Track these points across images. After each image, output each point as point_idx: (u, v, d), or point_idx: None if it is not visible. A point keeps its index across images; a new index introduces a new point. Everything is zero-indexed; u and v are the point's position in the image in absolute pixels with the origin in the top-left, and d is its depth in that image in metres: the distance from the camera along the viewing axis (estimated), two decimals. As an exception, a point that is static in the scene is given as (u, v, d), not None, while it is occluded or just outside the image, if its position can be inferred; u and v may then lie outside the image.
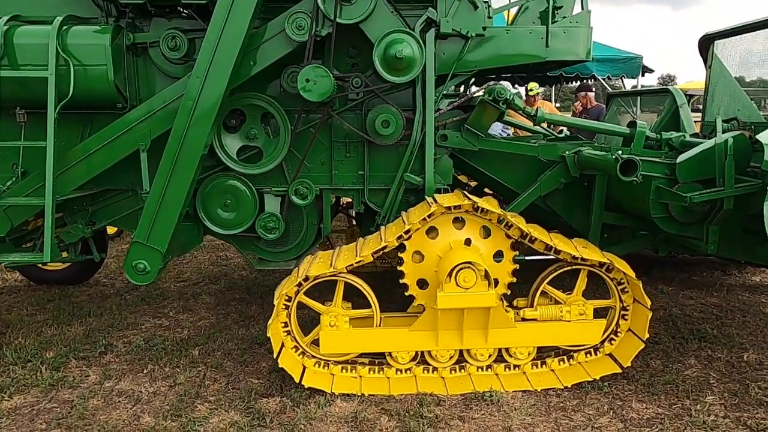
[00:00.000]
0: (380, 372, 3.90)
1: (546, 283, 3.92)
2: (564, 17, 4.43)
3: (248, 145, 4.42)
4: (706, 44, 4.71)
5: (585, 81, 8.41)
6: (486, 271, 3.54)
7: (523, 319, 3.88)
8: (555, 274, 3.92)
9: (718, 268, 6.23)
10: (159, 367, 4.14)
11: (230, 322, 5.00)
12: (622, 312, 3.93)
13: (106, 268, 6.60)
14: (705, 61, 4.79)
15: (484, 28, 4.24)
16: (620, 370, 3.77)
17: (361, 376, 3.90)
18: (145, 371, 4.09)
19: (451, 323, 3.75)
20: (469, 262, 3.54)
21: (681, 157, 3.74)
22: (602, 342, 3.95)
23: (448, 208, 3.75)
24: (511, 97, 4.26)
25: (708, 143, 3.71)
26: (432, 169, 4.31)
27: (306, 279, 3.80)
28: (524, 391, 3.73)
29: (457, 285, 3.58)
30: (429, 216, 3.74)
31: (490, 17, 4.36)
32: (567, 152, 4.37)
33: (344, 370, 3.91)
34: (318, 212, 4.69)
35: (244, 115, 4.37)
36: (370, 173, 4.51)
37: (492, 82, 6.26)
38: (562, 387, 3.74)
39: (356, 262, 3.70)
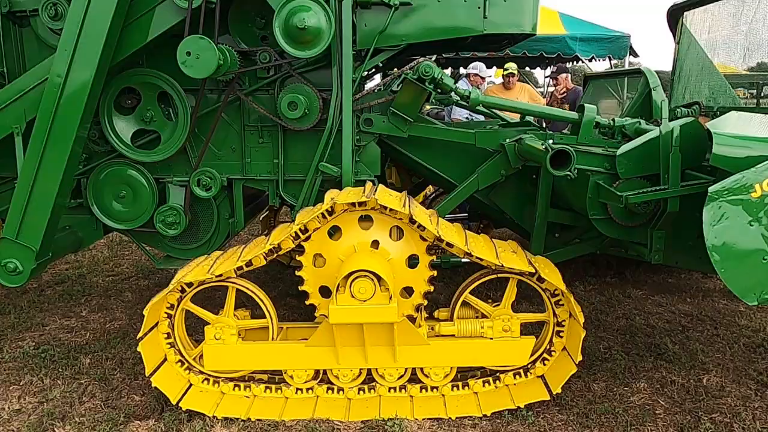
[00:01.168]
0: (278, 391, 3.41)
1: (468, 293, 3.37)
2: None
3: (145, 129, 3.91)
4: (675, 15, 4.05)
5: (564, 63, 7.73)
6: (383, 279, 3.00)
7: (439, 335, 3.34)
8: (479, 282, 3.37)
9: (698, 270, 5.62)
10: (38, 379, 3.68)
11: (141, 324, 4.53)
12: (557, 328, 3.37)
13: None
14: (674, 36, 4.14)
15: (411, -4, 3.65)
16: (548, 398, 3.22)
17: (255, 396, 3.41)
18: (21, 383, 3.64)
19: (351, 339, 3.23)
20: (366, 270, 3.01)
21: (622, 149, 3.15)
22: (534, 362, 3.40)
23: (352, 204, 3.21)
24: (440, 75, 3.67)
25: (652, 132, 3.11)
26: (350, 158, 3.76)
27: (190, 285, 3.31)
28: (435, 420, 3.21)
29: (353, 296, 3.05)
30: (330, 213, 3.21)
31: (418, -15, 3.77)
32: (507, 140, 3.78)
33: (236, 388, 3.42)
34: (232, 205, 4.17)
35: (140, 95, 3.85)
36: (285, 162, 3.98)
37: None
38: (480, 415, 3.21)
39: (237, 268, 3.19)
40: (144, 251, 4.33)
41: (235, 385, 3.42)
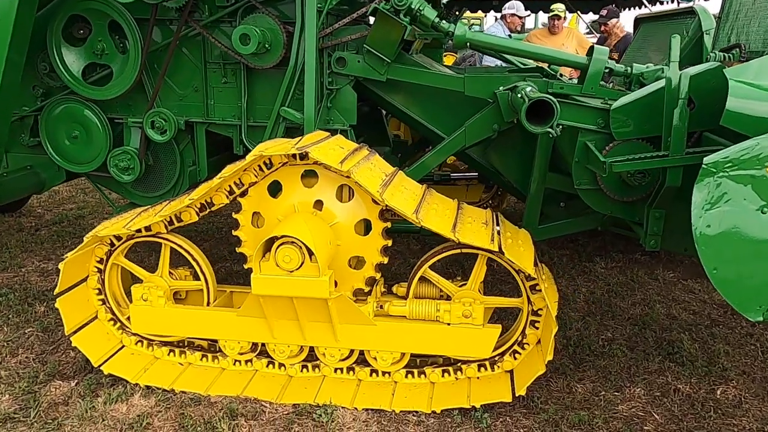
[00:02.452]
0: (214, 361, 3.07)
1: (428, 268, 2.85)
2: None
3: (98, 63, 3.54)
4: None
5: (618, 8, 6.65)
6: (310, 249, 2.53)
7: (388, 316, 2.86)
8: (440, 256, 2.84)
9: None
10: (-15, 324, 3.53)
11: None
12: (532, 317, 2.81)
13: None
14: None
15: None
16: (509, 399, 2.70)
17: (189, 364, 3.09)
18: (-32, 326, 3.50)
19: (284, 312, 2.81)
20: (292, 237, 2.55)
21: (618, 102, 2.46)
22: (502, 355, 2.87)
23: (293, 156, 2.73)
24: (418, 6, 3.05)
25: (659, 83, 2.39)
26: (313, 102, 3.26)
27: (119, 238, 2.98)
28: (375, 412, 2.77)
29: (278, 265, 2.61)
30: (268, 166, 2.75)
31: None
32: (501, 88, 3.13)
33: (171, 354, 3.11)
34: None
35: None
36: (250, 105, 3.54)
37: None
38: (429, 411, 2.74)
39: (153, 222, 2.81)
40: (104, 197, 4.07)
41: (170, 350, 3.11)
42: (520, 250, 2.68)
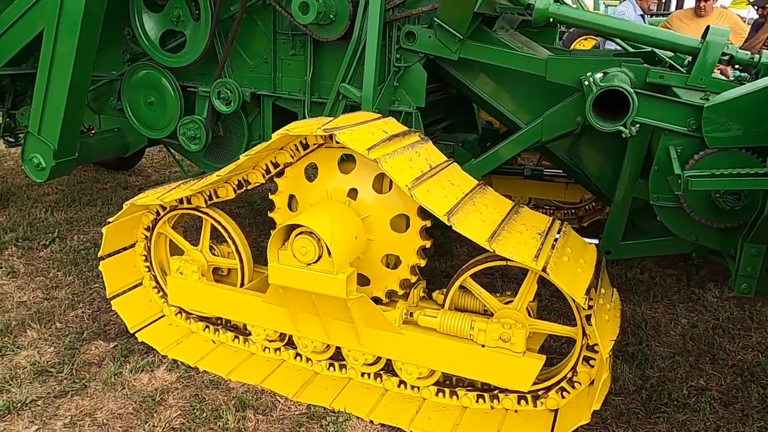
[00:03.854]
0: (245, 344, 2.97)
1: (470, 277, 2.48)
2: None
3: (175, 30, 3.53)
4: None
5: None
6: (326, 246, 2.27)
7: (416, 325, 2.54)
8: (482, 266, 2.45)
9: None
10: (61, 275, 3.74)
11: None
12: (586, 353, 2.33)
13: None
14: None
15: None
16: (544, 446, 2.27)
17: (222, 343, 3.01)
18: (49, 275, 3.73)
19: (305, 305, 2.60)
20: (308, 228, 2.31)
21: (717, 98, 1.88)
22: (548, 390, 2.43)
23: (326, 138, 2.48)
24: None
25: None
26: (372, 80, 2.97)
27: (164, 207, 2.96)
28: (389, 429, 2.48)
29: (294, 256, 2.39)
30: (301, 149, 2.53)
31: None
32: (589, 75, 2.60)
33: (206, 329, 3.06)
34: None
35: (173, -9, 3.47)
36: (314, 80, 3.34)
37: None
38: (449, 440, 2.41)
39: (185, 196, 2.72)
40: (177, 163, 4.11)
41: (206, 326, 3.06)
42: (575, 271, 2.21)
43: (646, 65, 2.55)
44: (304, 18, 2.95)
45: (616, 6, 7.07)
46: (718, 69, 4.77)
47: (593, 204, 4.64)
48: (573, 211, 4.74)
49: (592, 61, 2.71)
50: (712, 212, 2.02)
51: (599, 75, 2.13)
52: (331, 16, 3.04)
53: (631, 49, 3.31)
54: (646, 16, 5.93)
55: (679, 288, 3.86)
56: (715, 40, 2.28)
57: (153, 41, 3.52)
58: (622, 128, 1.97)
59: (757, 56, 2.31)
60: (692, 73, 2.31)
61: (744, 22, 7.14)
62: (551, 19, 2.67)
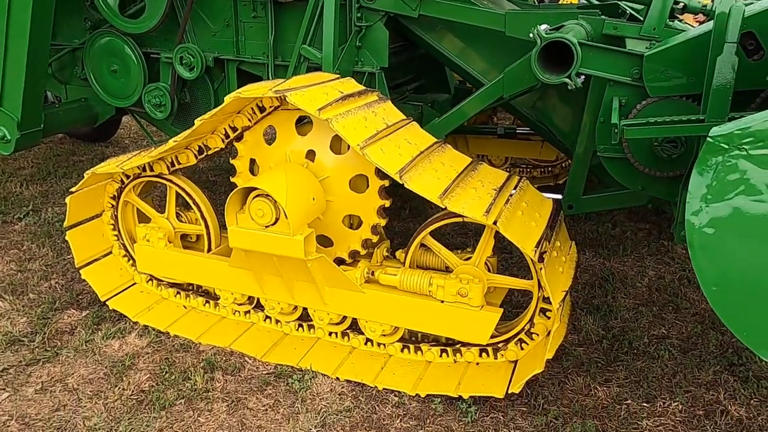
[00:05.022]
0: (216, 308, 3.01)
1: (429, 234, 2.51)
2: None
3: (134, -5, 3.47)
4: None
5: None
6: (282, 209, 2.29)
7: (377, 284, 2.57)
8: (440, 223, 2.47)
9: None
10: (35, 247, 3.75)
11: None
12: (542, 305, 2.38)
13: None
14: None
15: None
16: (500, 395, 2.33)
17: (192, 308, 3.05)
18: (22, 248, 3.74)
19: (269, 267, 2.63)
20: (263, 190, 2.32)
21: (653, 48, 1.87)
22: (507, 342, 2.49)
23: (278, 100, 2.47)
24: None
25: (708, 24, 1.77)
26: (332, 41, 2.94)
27: (127, 176, 2.96)
28: (355, 386, 2.54)
29: (252, 219, 2.41)
30: (258, 112, 2.52)
31: None
32: (534, 28, 2.57)
33: (178, 295, 3.09)
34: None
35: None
36: (277, 43, 3.30)
37: None
38: (413, 394, 2.47)
39: (145, 163, 2.71)
40: (144, 131, 4.09)
41: (177, 292, 3.09)
42: (529, 225, 2.24)
43: (603, 17, 2.52)
44: (259, -22, 2.90)
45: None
46: (696, 20, 4.75)
47: (569, 161, 4.65)
48: (549, 168, 4.75)
49: (551, 14, 2.68)
50: (654, 161, 2.03)
51: (544, 27, 2.11)
52: (289, -25, 2.99)
53: (596, 1, 3.27)
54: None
55: (649, 241, 3.90)
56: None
57: (112, 7, 3.45)
58: (567, 80, 1.97)
59: (710, 3, 2.29)
60: (645, 22, 2.29)
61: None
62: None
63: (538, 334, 2.42)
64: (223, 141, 2.71)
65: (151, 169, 2.90)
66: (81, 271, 3.05)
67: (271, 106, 2.55)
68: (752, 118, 1.21)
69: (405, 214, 4.15)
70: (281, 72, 3.31)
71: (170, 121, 3.78)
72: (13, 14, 3.19)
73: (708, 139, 1.22)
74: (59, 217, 4.15)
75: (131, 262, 3.17)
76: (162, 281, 3.12)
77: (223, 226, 3.03)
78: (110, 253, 3.18)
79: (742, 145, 1.18)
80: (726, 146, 1.20)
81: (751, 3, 2.19)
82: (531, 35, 2.07)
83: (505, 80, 2.80)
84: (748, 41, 1.75)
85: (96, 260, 3.12)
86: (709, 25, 1.85)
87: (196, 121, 2.50)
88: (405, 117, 2.66)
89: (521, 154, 4.68)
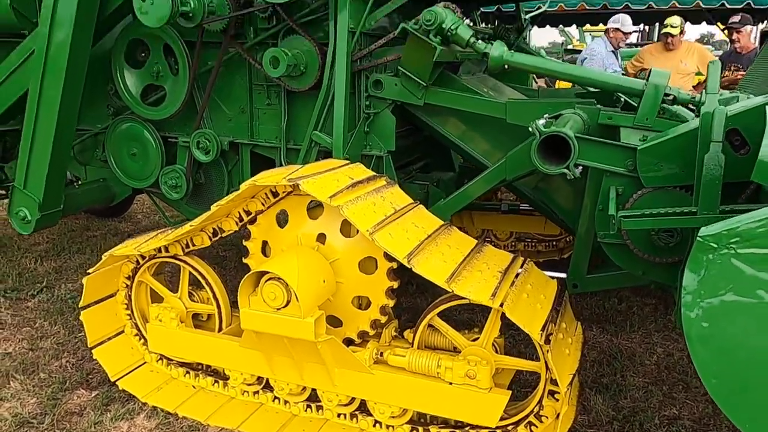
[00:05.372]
0: (225, 388, 3.02)
1: (437, 315, 2.55)
2: None
3: (155, 84, 3.68)
4: None
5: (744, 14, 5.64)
6: (293, 292, 2.36)
7: (387, 365, 2.60)
8: (448, 305, 2.53)
9: None
10: (47, 324, 3.81)
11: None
12: (551, 387, 2.39)
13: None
14: None
15: None
16: (511, 482, 2.31)
17: (202, 388, 3.06)
18: (35, 326, 3.80)
19: (279, 348, 2.67)
20: (275, 274, 2.40)
21: (647, 141, 1.99)
22: (516, 424, 2.48)
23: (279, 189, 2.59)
24: (452, 25, 2.77)
25: (695, 121, 1.89)
26: (342, 127, 3.10)
27: (143, 257, 3.05)
28: (364, 469, 2.52)
29: (264, 301, 2.47)
30: (271, 196, 2.64)
31: None
32: (544, 117, 2.73)
33: (187, 375, 3.11)
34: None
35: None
36: (290, 127, 3.47)
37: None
38: (422, 479, 2.44)
39: (162, 245, 2.81)
40: (160, 212, 4.22)
41: (186, 372, 3.11)
42: (534, 307, 2.29)
43: (598, 106, 2.68)
44: (275, 71, 3.10)
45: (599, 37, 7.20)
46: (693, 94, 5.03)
47: (572, 238, 4.73)
48: (554, 243, 4.83)
49: (549, 103, 2.84)
50: (653, 249, 2.11)
51: (542, 121, 2.25)
52: (302, 68, 3.18)
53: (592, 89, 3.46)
54: (618, 51, 6.13)
55: (656, 317, 3.92)
56: (657, 81, 2.41)
57: (135, 96, 3.66)
58: (566, 171, 2.08)
59: (698, 96, 2.44)
60: (638, 113, 2.43)
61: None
62: (506, 66, 2.82)
63: (547, 417, 2.41)
64: (236, 224, 2.82)
65: (167, 251, 2.99)
66: (93, 351, 3.09)
67: (284, 192, 2.67)
68: (739, 219, 1.30)
69: (412, 289, 4.20)
70: (293, 155, 3.46)
71: (184, 201, 3.92)
72: (43, 104, 3.39)
73: (698, 238, 1.30)
74: (72, 294, 4.23)
75: (143, 341, 3.21)
76: (172, 360, 3.14)
77: (234, 305, 3.10)
78: (122, 332, 3.22)
79: (731, 245, 1.27)
80: (715, 245, 1.28)
81: (735, 96, 2.34)
82: (530, 129, 2.21)
83: (507, 164, 2.93)
84: (734, 137, 1.87)
85: (108, 340, 3.16)
86: (693, 124, 1.98)
87: (212, 206, 2.62)
88: (412, 201, 2.77)
89: (525, 229, 4.78)
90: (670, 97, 2.45)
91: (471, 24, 4.63)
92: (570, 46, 18.43)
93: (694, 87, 6.05)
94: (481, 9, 5.33)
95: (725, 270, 1.26)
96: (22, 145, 3.55)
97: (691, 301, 1.27)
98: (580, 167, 2.13)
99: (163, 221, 5.94)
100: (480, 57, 2.85)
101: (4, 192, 4.66)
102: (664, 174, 2.02)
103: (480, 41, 2.79)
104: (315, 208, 2.71)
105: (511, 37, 4.01)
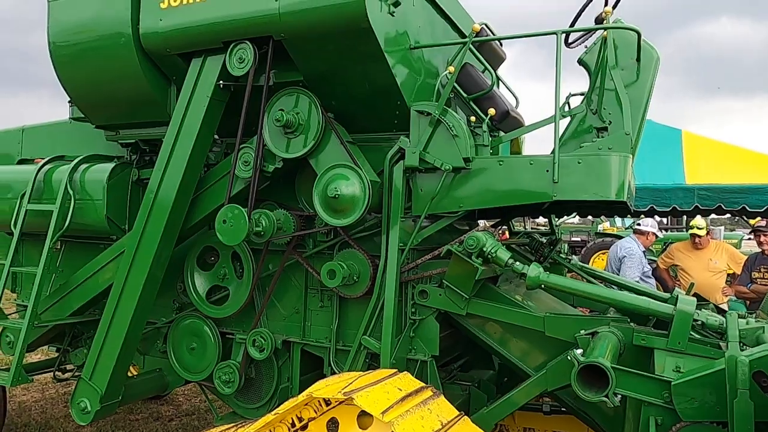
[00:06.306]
0: None
1: None
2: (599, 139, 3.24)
3: (220, 285, 4.08)
4: None
5: None
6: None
7: None
8: None
9: None
10: None
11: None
12: None
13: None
14: None
15: (468, 160, 3.28)
16: None
17: None
18: None
19: None
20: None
21: (681, 376, 2.14)
22: None
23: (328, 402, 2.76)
24: (491, 249, 3.11)
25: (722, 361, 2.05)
26: (390, 333, 3.33)
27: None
28: None
29: None
30: (324, 405, 2.81)
31: (485, 145, 3.41)
32: (582, 332, 2.94)
33: None
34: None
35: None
36: (340, 329, 3.74)
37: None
38: None
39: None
40: (210, 404, 4.36)
41: None
42: None
43: (631, 325, 2.87)
44: (332, 282, 3.44)
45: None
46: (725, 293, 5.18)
47: (618, 440, 4.61)
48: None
49: (585, 319, 3.06)
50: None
51: (580, 351, 2.44)
52: (355, 278, 3.53)
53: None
54: (646, 252, 6.43)
55: None
56: (685, 308, 2.62)
57: (201, 296, 4.04)
58: (605, 399, 2.21)
59: (720, 320, 2.61)
60: (669, 338, 2.60)
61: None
62: (542, 285, 3.09)
63: None
64: (289, 430, 2.94)
65: (220, 453, 3.09)
66: None
67: (336, 401, 2.84)
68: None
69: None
70: (342, 355, 3.67)
71: (234, 395, 4.08)
72: (122, 304, 3.77)
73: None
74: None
75: None
76: None
77: None
78: None
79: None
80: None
81: (762, 327, 2.51)
82: (569, 358, 2.39)
83: (548, 376, 3.07)
84: (762, 379, 2.01)
85: None
86: (719, 365, 2.13)
87: (269, 414, 2.78)
88: (457, 413, 2.88)
89: (567, 430, 4.70)
90: (699, 323, 2.63)
91: (507, 230, 5.05)
92: (600, 228, 19.02)
93: (727, 284, 6.20)
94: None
95: None
96: (96, 339, 3.87)
97: None
98: (619, 396, 2.26)
99: (210, 410, 6.06)
100: (518, 276, 3.15)
101: (61, 375, 4.94)
102: (699, 409, 2.13)
103: (518, 263, 3.11)
104: (364, 416, 2.84)
105: (545, 251, 4.37)
